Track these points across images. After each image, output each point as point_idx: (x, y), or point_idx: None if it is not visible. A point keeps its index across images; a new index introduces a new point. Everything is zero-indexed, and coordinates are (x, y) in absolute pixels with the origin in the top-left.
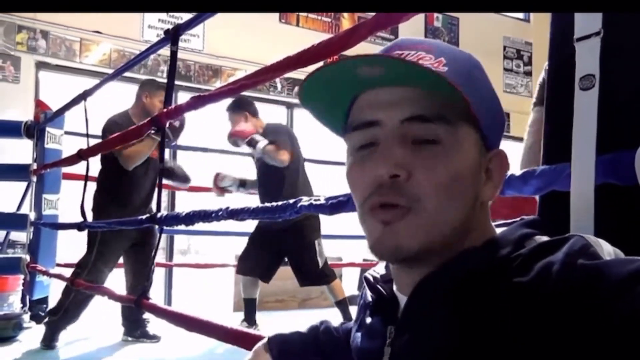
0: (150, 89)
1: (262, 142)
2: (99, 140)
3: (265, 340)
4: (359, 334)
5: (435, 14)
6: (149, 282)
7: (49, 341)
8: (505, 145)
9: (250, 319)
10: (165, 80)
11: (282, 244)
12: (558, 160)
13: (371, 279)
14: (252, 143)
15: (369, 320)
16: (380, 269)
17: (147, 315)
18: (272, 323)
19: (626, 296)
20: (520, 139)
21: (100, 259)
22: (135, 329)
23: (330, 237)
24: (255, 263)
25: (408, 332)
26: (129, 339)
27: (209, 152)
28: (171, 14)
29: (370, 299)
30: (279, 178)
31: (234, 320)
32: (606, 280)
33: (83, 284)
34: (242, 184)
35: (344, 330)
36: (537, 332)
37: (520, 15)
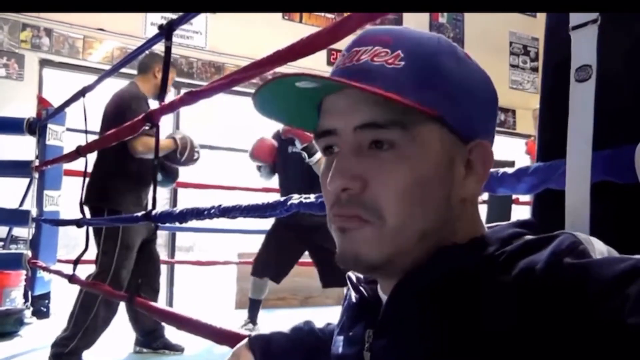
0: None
1: (319, 154)
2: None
3: (246, 340)
4: (340, 338)
5: None
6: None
7: None
8: (511, 141)
9: (254, 319)
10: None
11: (312, 241)
12: (553, 157)
13: (354, 278)
14: (309, 150)
15: (351, 325)
16: None
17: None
18: (273, 321)
19: (613, 298)
20: (526, 136)
21: (126, 256)
22: (153, 340)
23: None
24: (273, 263)
25: (386, 336)
26: (145, 350)
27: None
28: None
29: (354, 300)
30: (312, 180)
31: (236, 318)
32: (593, 280)
33: (107, 289)
34: (258, 169)
35: (329, 331)
36: (519, 332)
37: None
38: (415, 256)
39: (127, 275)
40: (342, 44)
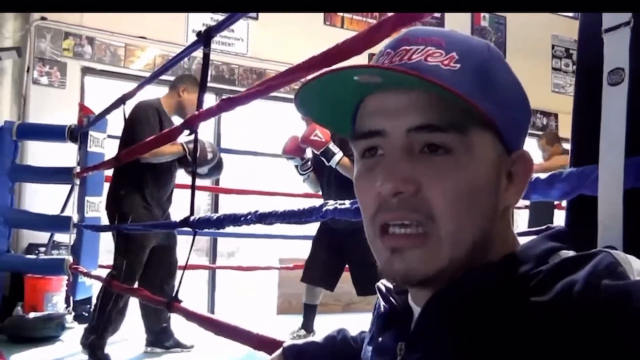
0: (190, 84)
1: (338, 155)
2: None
3: (280, 351)
4: (369, 348)
5: (482, 13)
6: (175, 285)
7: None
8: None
9: (308, 326)
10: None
11: (343, 246)
12: (586, 162)
13: (383, 288)
14: (326, 154)
15: (380, 334)
16: None
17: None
18: (316, 327)
19: None
20: (569, 140)
21: (134, 260)
22: (165, 339)
23: None
24: (322, 271)
25: (418, 351)
26: (157, 349)
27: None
28: (215, 18)
29: (383, 310)
30: (346, 184)
31: (277, 324)
32: (629, 305)
33: (120, 286)
34: (307, 179)
35: (362, 339)
36: (557, 354)
37: (569, 13)
38: (462, 269)
39: (136, 274)
40: (379, 49)
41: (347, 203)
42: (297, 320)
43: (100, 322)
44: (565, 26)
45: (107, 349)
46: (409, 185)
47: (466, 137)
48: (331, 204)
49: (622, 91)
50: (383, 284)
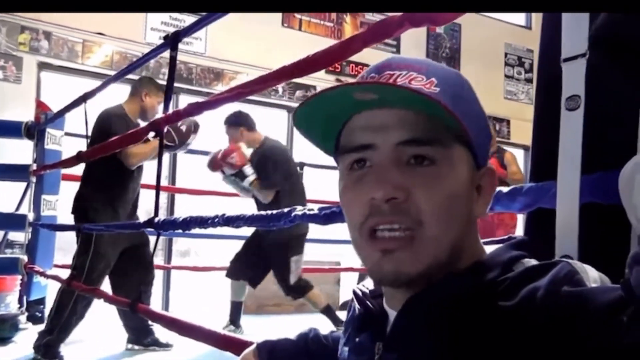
0: (151, 88)
1: (251, 177)
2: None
3: (254, 346)
4: (346, 349)
5: None
6: (148, 286)
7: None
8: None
9: (236, 322)
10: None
11: (265, 254)
12: (545, 178)
13: (360, 293)
14: (240, 174)
15: (356, 335)
16: (369, 284)
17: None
18: (269, 327)
19: (608, 323)
20: (521, 146)
21: (98, 261)
22: (144, 337)
23: (329, 241)
24: (246, 267)
25: (396, 350)
26: (136, 347)
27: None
28: (174, 16)
29: (358, 312)
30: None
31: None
32: (587, 309)
33: (80, 286)
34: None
35: (334, 338)
36: (523, 355)
37: (522, 22)
38: (442, 269)
39: (99, 276)
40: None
41: (315, 209)
42: (252, 320)
43: (57, 323)
44: (518, 35)
45: (86, 346)
46: (400, 191)
47: (448, 151)
48: (300, 210)
49: (579, 116)
50: (359, 288)
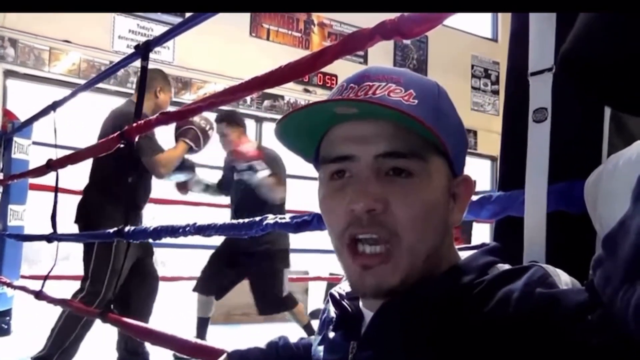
0: (165, 83)
1: (264, 172)
2: (68, 151)
3: (225, 356)
4: (320, 348)
5: None
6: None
7: None
8: (471, 162)
9: (202, 338)
10: (133, 91)
11: (247, 266)
12: (513, 187)
13: (337, 295)
14: (252, 168)
15: (331, 334)
16: (346, 286)
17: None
18: (238, 336)
19: (578, 323)
20: (487, 157)
21: (114, 282)
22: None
23: (297, 250)
24: (214, 282)
25: (370, 348)
26: None
27: None
28: (142, 25)
29: (333, 314)
30: (261, 204)
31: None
32: (558, 309)
33: (76, 305)
34: (206, 189)
35: (303, 345)
36: (499, 354)
37: (489, 34)
38: (420, 275)
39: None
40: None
41: (287, 217)
42: (220, 330)
43: (58, 347)
44: (485, 47)
45: None
46: (379, 203)
47: (425, 164)
48: (271, 218)
49: (546, 128)
50: (337, 291)
